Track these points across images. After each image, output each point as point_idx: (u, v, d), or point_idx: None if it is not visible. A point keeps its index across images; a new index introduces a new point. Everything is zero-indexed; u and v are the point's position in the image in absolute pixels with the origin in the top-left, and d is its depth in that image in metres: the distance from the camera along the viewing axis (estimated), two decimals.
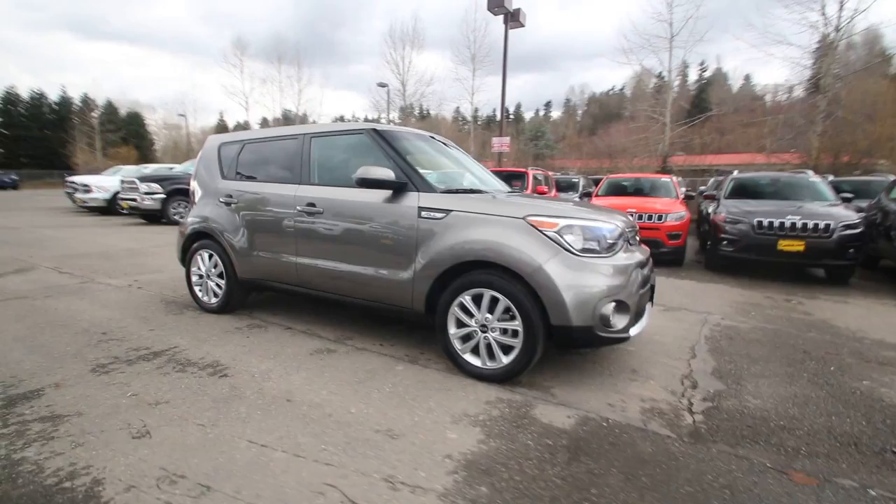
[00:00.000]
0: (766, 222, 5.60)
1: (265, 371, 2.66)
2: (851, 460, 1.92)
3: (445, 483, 1.70)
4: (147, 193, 10.32)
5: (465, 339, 2.64)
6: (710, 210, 6.91)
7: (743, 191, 6.98)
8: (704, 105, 31.45)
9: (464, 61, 27.30)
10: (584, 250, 2.42)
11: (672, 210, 6.73)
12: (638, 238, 3.10)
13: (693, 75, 41.25)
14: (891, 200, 6.32)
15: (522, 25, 13.16)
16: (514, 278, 2.43)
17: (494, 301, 2.49)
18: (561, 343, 2.55)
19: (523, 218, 2.48)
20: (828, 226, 5.34)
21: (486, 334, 2.54)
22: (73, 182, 13.48)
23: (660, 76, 27.03)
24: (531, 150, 39.15)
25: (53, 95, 46.23)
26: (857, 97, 16.90)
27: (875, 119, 16.38)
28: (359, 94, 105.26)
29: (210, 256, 3.78)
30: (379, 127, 3.15)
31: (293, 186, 3.33)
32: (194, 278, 3.91)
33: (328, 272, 3.15)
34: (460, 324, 2.64)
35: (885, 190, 6.81)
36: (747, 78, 41.57)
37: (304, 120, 37.90)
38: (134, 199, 10.45)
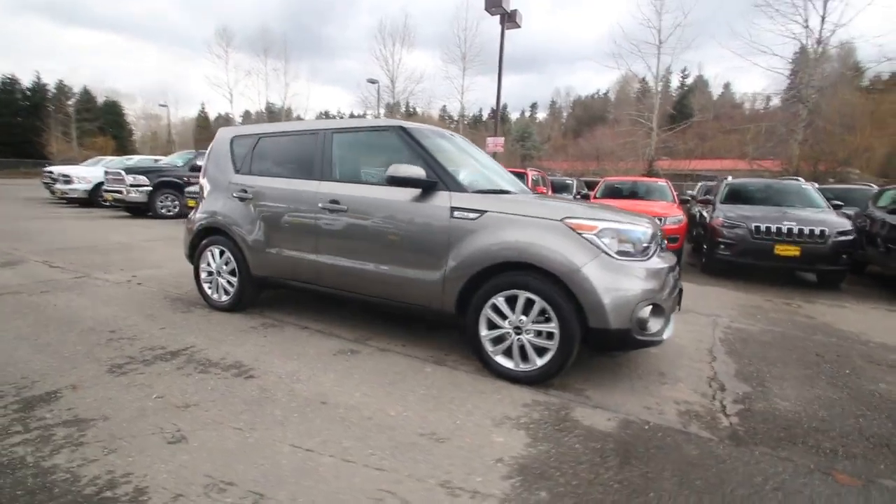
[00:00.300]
0: (763, 227, 5.74)
1: (291, 372, 2.59)
2: (888, 461, 1.97)
3: (503, 488, 1.67)
4: (134, 186, 9.97)
5: (497, 340, 2.62)
6: (707, 214, 7.05)
7: (737, 196, 7.14)
8: (687, 111, 32.10)
9: (454, 60, 27.37)
10: (621, 253, 2.43)
11: (670, 213, 6.84)
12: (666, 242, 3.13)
13: (675, 81, 42.19)
14: (877, 208, 6.58)
15: (518, 26, 13.10)
16: (551, 280, 2.41)
17: (529, 303, 2.48)
18: (597, 346, 2.56)
19: (561, 220, 2.47)
20: (823, 232, 5.50)
21: (521, 336, 2.52)
22: (52, 172, 12.94)
23: (643, 81, 27.53)
24: (518, 151, 39.44)
25: (27, 81, 44.12)
26: (835, 108, 17.55)
27: (854, 130, 17.03)
28: (345, 89, 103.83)
29: (221, 253, 3.66)
30: (406, 124, 3.09)
31: (314, 183, 3.24)
32: (203, 275, 3.78)
33: (350, 271, 3.08)
34: (491, 325, 2.61)
35: (872, 198, 7.08)
36: (727, 86, 42.61)
37: (288, 114, 37.22)
38: (119, 192, 10.07)
